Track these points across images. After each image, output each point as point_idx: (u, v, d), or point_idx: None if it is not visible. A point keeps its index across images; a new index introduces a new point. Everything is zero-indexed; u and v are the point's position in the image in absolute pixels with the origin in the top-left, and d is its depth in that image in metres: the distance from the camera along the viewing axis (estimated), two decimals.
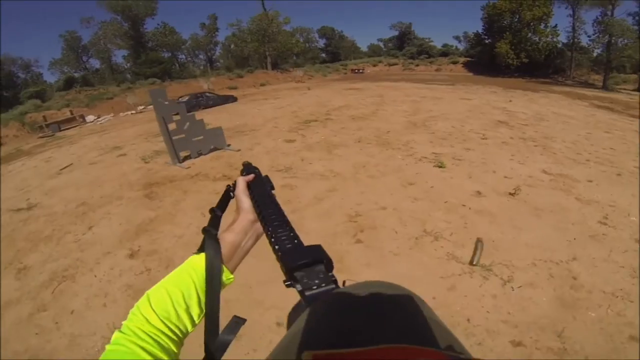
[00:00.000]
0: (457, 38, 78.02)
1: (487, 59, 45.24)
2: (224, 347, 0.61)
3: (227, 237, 0.71)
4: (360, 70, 51.87)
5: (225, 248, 0.68)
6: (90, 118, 25.27)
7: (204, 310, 0.62)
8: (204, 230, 0.70)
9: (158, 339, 0.55)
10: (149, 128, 16.76)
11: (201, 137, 10.43)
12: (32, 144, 19.30)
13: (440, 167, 7.71)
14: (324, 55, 73.28)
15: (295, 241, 0.61)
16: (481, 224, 5.39)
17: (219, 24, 54.83)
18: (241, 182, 0.80)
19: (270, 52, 47.62)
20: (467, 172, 7.48)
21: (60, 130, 22.25)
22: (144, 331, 0.55)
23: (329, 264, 0.55)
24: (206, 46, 56.90)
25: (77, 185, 9.50)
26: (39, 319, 4.14)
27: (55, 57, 49.12)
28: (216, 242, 0.68)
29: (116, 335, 0.55)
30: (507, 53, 40.91)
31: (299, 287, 0.51)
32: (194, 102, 23.16)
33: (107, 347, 0.53)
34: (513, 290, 3.98)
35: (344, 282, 0.68)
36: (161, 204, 7.58)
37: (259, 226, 0.74)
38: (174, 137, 9.69)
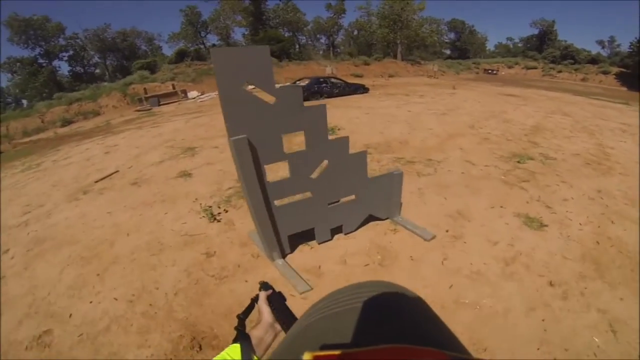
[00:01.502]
0: (600, 43, 64.40)
1: None
2: None
3: (254, 333, 0.88)
4: (494, 71, 43.55)
5: (253, 340, 0.84)
6: (192, 94, 21.66)
7: None
8: (236, 329, 0.87)
9: None
10: None
11: (352, 197, 3.85)
12: (125, 117, 17.10)
13: None
14: (447, 51, 63.70)
15: None
16: None
17: (346, 5, 48.30)
18: (262, 296, 0.98)
19: (401, 40, 40.57)
20: None
21: (159, 105, 19.49)
22: None
23: None
24: (330, 29, 51.05)
25: (72, 256, 4.41)
26: None
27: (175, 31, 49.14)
28: (247, 336, 0.84)
29: None
30: None
31: None
32: (315, 89, 17.20)
33: None
34: None
35: None
36: None
37: (276, 326, 0.93)
38: (277, 205, 3.47)
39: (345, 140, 3.43)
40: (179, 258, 4.06)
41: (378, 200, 4.14)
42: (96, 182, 6.89)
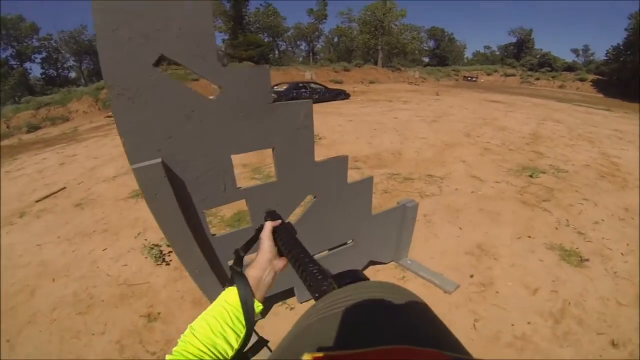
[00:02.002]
0: (575, 52, 65.74)
1: (623, 79, 34.32)
2: None
3: (250, 273, 0.73)
4: (473, 78, 43.33)
5: (250, 281, 0.71)
6: None
7: (241, 335, 0.64)
8: (231, 268, 0.75)
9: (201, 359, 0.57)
10: None
11: (350, 242, 2.83)
12: (94, 123, 16.01)
13: None
14: (426, 58, 63.72)
15: (324, 272, 0.62)
16: None
17: (327, 11, 47.61)
18: (268, 226, 0.82)
19: (382, 46, 40.12)
20: None
21: None
22: (189, 352, 0.57)
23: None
24: (310, 34, 50.00)
25: None
26: None
27: None
28: (243, 276, 0.71)
29: (167, 357, 0.57)
30: None
31: None
32: (294, 94, 16.27)
33: None
34: None
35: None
36: None
37: (276, 263, 0.78)
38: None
39: (341, 162, 2.29)
40: (112, 321, 2.95)
41: (383, 242, 3.06)
42: (37, 201, 5.86)
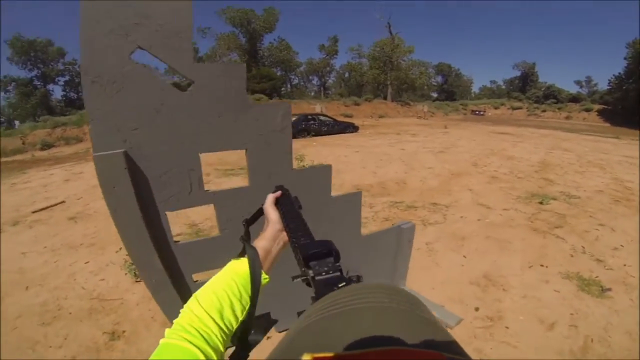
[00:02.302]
0: (578, 83, 65.76)
1: (628, 107, 34.46)
2: (253, 345, 0.63)
3: (259, 244, 0.72)
4: (481, 112, 43.62)
5: (259, 253, 0.69)
6: None
7: (246, 307, 0.62)
8: (242, 239, 0.73)
9: (204, 334, 0.53)
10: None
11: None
12: None
13: None
14: (434, 94, 64.43)
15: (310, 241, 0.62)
16: None
17: (338, 47, 48.98)
18: (269, 198, 0.81)
19: (392, 81, 40.99)
20: None
21: None
22: (193, 327, 0.53)
23: (337, 256, 0.55)
24: (322, 69, 51.33)
25: None
26: None
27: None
28: (253, 247, 0.69)
29: (167, 331, 0.53)
30: None
31: (311, 273, 0.52)
32: (302, 126, 16.28)
33: (161, 341, 0.51)
34: None
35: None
36: None
37: (284, 235, 0.75)
38: (198, 282, 1.60)
39: (324, 172, 2.04)
40: (73, 335, 2.77)
41: (376, 268, 2.73)
42: (34, 212, 5.97)
